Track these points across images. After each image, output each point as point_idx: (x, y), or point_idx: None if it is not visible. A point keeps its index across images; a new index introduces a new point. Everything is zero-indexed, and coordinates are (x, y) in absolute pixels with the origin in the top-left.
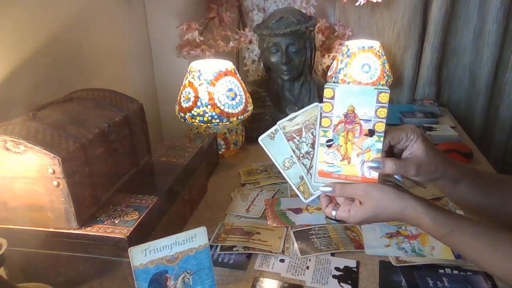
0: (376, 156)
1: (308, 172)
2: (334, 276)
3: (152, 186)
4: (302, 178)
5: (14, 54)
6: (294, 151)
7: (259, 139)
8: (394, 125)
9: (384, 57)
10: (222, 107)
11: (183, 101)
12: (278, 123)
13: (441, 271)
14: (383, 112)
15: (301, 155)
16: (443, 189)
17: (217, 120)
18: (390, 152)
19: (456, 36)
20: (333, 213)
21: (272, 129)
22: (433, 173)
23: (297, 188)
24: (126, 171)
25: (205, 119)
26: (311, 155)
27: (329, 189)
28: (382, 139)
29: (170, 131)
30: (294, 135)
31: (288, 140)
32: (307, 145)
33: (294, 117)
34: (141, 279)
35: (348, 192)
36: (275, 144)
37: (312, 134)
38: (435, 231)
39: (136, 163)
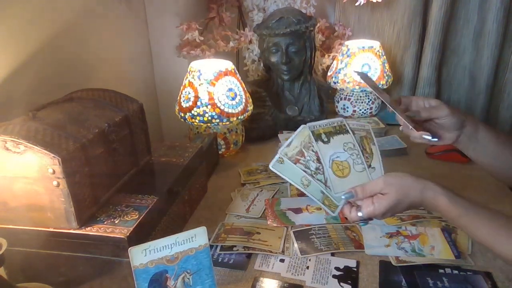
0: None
1: (326, 186)
2: (334, 276)
3: (152, 186)
4: (323, 192)
5: (14, 54)
6: (305, 171)
7: (270, 166)
8: (395, 125)
9: (384, 57)
10: (222, 107)
11: (183, 101)
12: (278, 152)
13: (441, 271)
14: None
15: (312, 172)
16: (469, 138)
17: (217, 120)
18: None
19: (456, 36)
20: (360, 214)
21: (276, 157)
22: (459, 114)
23: (322, 204)
24: (126, 171)
25: (205, 119)
26: (322, 169)
27: (351, 194)
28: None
29: (170, 131)
30: (297, 157)
31: (295, 163)
32: (313, 161)
33: (290, 142)
34: (141, 279)
35: (369, 190)
36: (286, 167)
37: (313, 151)
38: (451, 210)
39: (136, 163)
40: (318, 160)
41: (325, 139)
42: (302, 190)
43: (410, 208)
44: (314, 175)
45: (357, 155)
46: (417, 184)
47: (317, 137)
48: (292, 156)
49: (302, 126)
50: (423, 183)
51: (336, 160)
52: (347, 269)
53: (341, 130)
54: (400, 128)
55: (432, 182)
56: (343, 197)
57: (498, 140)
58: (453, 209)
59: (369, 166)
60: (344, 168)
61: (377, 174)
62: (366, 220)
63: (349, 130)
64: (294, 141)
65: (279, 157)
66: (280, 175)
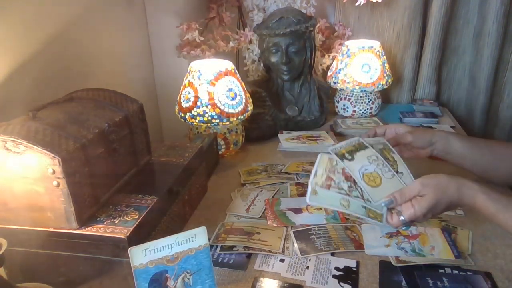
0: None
1: (364, 200)
2: (334, 276)
3: (152, 186)
4: (364, 207)
5: (14, 54)
6: (340, 193)
7: (307, 201)
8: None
9: (384, 57)
10: (222, 107)
11: (183, 101)
12: (309, 183)
13: (441, 271)
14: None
15: (347, 191)
16: (443, 151)
17: (217, 120)
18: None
19: (456, 36)
20: (401, 218)
21: (309, 190)
22: (424, 135)
23: (368, 217)
24: (126, 171)
25: (205, 119)
26: (355, 185)
27: (390, 200)
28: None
29: (170, 131)
30: (328, 183)
31: (327, 189)
32: (343, 181)
33: (315, 172)
34: (141, 279)
35: (408, 194)
36: (322, 196)
37: (339, 172)
38: (489, 206)
39: (136, 163)
40: (347, 178)
41: (349, 157)
42: (346, 212)
43: (449, 207)
44: (349, 194)
45: (382, 164)
46: (454, 183)
47: (342, 156)
48: (323, 184)
49: (320, 154)
50: (460, 181)
51: (365, 173)
52: (347, 269)
53: (360, 147)
54: None
55: (468, 179)
56: (383, 204)
57: (473, 148)
58: (492, 206)
59: (397, 171)
60: (375, 178)
61: (406, 177)
62: (409, 223)
63: (368, 146)
64: (318, 170)
65: (312, 189)
66: (319, 205)
